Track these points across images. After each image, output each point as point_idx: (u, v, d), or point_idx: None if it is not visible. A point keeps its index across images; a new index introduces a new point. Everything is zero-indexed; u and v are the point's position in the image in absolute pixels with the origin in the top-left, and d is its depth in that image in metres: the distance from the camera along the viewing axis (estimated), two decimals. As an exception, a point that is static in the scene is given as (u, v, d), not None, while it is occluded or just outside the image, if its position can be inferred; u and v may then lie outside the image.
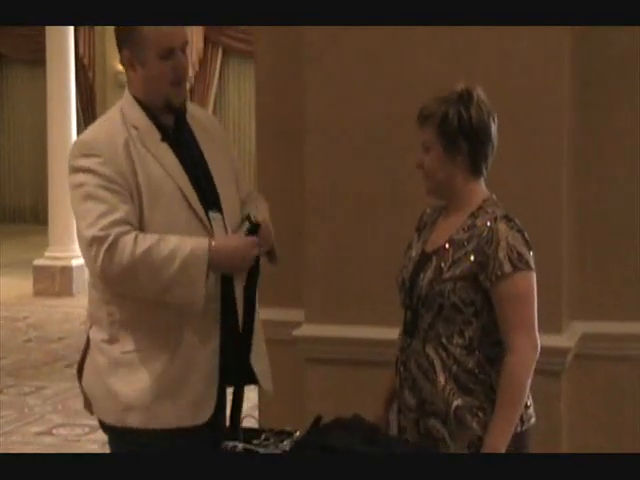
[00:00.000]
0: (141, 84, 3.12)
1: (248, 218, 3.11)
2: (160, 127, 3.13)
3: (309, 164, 3.96)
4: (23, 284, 11.38)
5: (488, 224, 2.98)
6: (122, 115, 3.12)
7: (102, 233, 2.95)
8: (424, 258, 3.07)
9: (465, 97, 3.02)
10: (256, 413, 4.08)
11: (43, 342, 9.02)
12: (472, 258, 2.96)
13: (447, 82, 3.11)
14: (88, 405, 3.23)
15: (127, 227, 2.98)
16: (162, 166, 3.09)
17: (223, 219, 3.16)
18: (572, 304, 3.99)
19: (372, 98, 3.89)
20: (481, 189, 3.08)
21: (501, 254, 2.93)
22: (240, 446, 2.78)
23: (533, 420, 3.06)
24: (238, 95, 15.88)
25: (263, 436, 2.83)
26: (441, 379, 2.99)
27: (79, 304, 10.79)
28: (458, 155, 3.02)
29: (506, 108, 3.71)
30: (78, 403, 7.02)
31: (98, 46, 15.96)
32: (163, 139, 3.13)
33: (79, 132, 12.14)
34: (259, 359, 3.19)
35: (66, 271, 11.20)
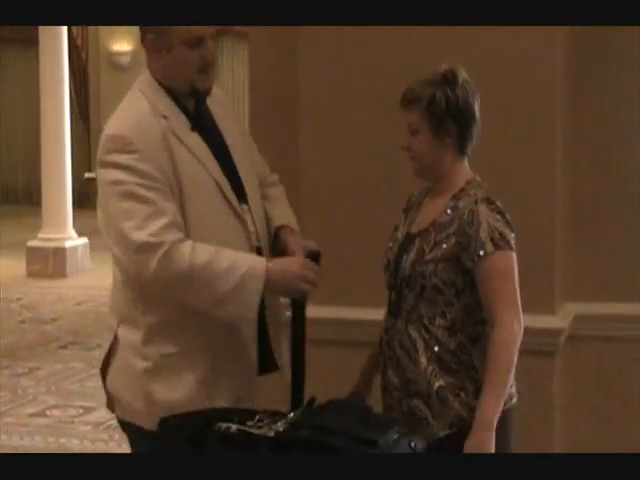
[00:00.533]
0: (166, 69, 3.01)
1: (311, 252, 3.02)
2: (186, 114, 3.03)
3: (304, 148, 3.95)
4: (16, 265, 11.39)
5: (469, 207, 2.99)
6: (149, 103, 3.00)
7: (155, 239, 2.84)
8: (408, 239, 3.10)
9: (450, 78, 3.02)
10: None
11: (37, 323, 9.02)
12: (454, 240, 2.98)
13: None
14: (111, 405, 3.14)
15: (179, 233, 2.88)
16: (195, 157, 2.99)
17: (250, 210, 3.09)
18: (565, 285, 3.99)
19: (369, 83, 3.87)
20: (466, 170, 3.10)
21: (483, 235, 2.95)
22: (234, 427, 2.78)
23: (515, 400, 3.07)
24: (232, 76, 15.85)
25: (257, 417, 2.83)
26: (423, 360, 3.01)
27: (72, 285, 10.82)
28: (446, 137, 3.03)
29: (499, 89, 3.72)
30: (72, 384, 7.09)
31: (91, 27, 15.91)
32: (193, 128, 3.03)
33: (72, 113, 12.12)
34: (282, 351, 3.17)
35: (59, 252, 11.20)
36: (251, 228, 3.07)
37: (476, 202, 3.00)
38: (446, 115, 3.00)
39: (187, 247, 2.87)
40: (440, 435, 2.98)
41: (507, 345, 2.93)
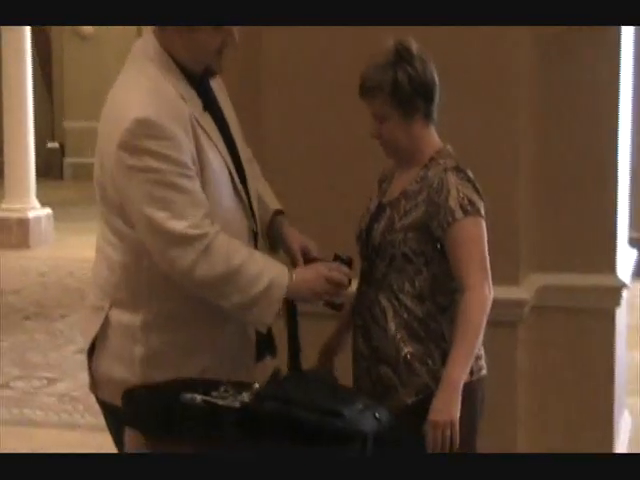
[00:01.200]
0: (185, 49, 2.86)
1: (339, 258, 2.98)
2: (197, 94, 2.92)
3: (268, 117, 3.93)
4: (-20, 236, 11.28)
5: (439, 175, 2.99)
6: (170, 83, 2.85)
7: (195, 232, 2.74)
8: (380, 209, 3.10)
9: (404, 54, 2.96)
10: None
11: (0, 294, 8.96)
12: (423, 208, 2.98)
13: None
14: (95, 388, 3.04)
15: (214, 224, 2.79)
16: (211, 139, 2.89)
17: (249, 194, 3.01)
18: (529, 256, 4.01)
19: (333, 49, 3.86)
20: (434, 139, 3.08)
21: (452, 202, 2.95)
22: (199, 398, 2.77)
23: (484, 372, 3.09)
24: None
25: (222, 388, 2.82)
26: (392, 327, 3.02)
27: (36, 256, 10.75)
28: (415, 114, 3.00)
29: (465, 64, 3.72)
30: (35, 356, 7.05)
31: (54, -5, 15.73)
32: (204, 108, 2.91)
33: (36, 85, 11.99)
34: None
35: (23, 223, 11.11)
36: (249, 213, 3.01)
37: (445, 171, 2.99)
38: (412, 94, 2.96)
39: (223, 243, 2.79)
40: (407, 402, 2.99)
41: (477, 308, 2.93)
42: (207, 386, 2.82)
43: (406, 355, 3.00)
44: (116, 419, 2.99)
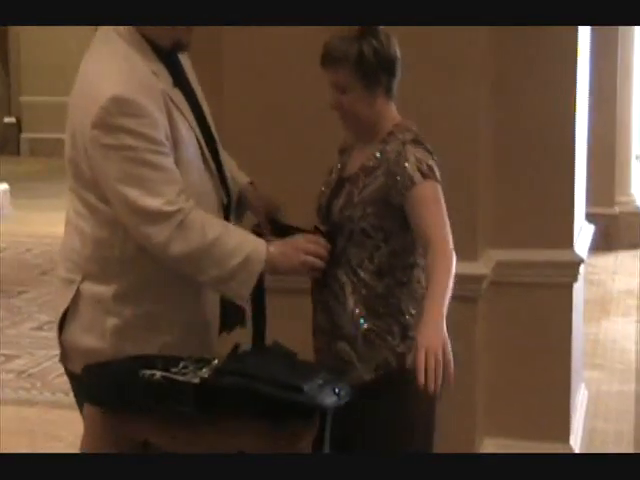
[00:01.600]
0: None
1: (318, 231, 3.00)
2: (167, 69, 2.91)
3: (229, 80, 3.92)
4: None
5: (397, 149, 2.98)
6: (142, 59, 2.84)
7: (170, 208, 2.75)
8: (339, 184, 3.10)
9: (370, 28, 2.96)
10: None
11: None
12: (381, 180, 2.98)
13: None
14: (64, 359, 3.04)
15: (189, 200, 2.80)
16: (182, 115, 2.88)
17: (221, 171, 3.02)
18: (488, 232, 4.04)
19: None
20: (394, 114, 3.08)
21: (410, 168, 2.94)
22: (158, 374, 2.77)
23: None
24: None
25: (181, 364, 2.82)
26: (350, 302, 3.03)
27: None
28: (377, 88, 3.00)
29: (424, 38, 3.72)
30: (-8, 332, 7.00)
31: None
32: (174, 84, 2.91)
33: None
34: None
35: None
36: (219, 185, 3.02)
37: (403, 144, 2.99)
38: (377, 68, 2.96)
39: (198, 218, 2.80)
40: (365, 379, 3.01)
41: (444, 261, 2.85)
42: (167, 362, 2.82)
43: (365, 331, 3.01)
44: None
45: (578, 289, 4.42)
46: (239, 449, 2.73)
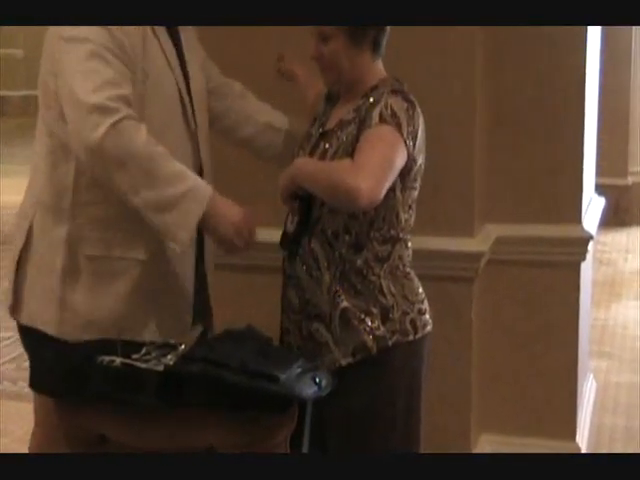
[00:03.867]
0: None
1: (298, 197, 3.00)
2: None
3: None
4: None
5: (376, 99, 2.98)
6: None
7: (112, 104, 2.80)
8: (317, 140, 3.09)
9: None
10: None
11: None
12: (353, 134, 2.97)
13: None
14: (16, 311, 3.09)
15: (133, 112, 2.85)
16: (164, 54, 3.01)
17: (198, 131, 3.12)
18: (485, 205, 4.04)
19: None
20: (379, 71, 3.08)
21: (375, 112, 2.93)
22: (117, 361, 2.77)
23: (429, 328, 3.11)
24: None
25: (144, 350, 2.82)
26: (326, 278, 3.03)
27: None
28: (364, 42, 3.00)
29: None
30: None
31: None
32: (169, 34, 3.04)
33: None
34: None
35: None
36: (196, 147, 3.10)
37: (383, 94, 2.99)
38: None
39: (142, 130, 2.84)
40: (341, 363, 3.01)
41: (348, 178, 2.80)
42: (127, 348, 2.82)
43: (342, 311, 3.01)
44: (30, 343, 3.07)
45: (586, 269, 4.42)
46: (208, 445, 2.73)
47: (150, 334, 3.02)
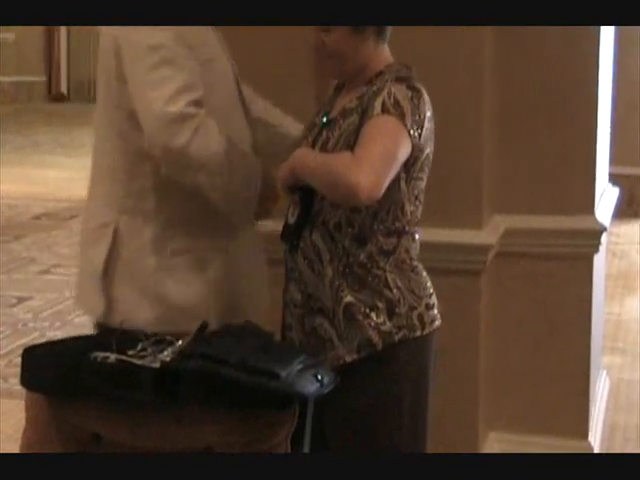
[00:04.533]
0: None
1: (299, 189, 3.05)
2: None
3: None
4: None
5: (380, 86, 2.97)
6: None
7: (190, 110, 2.96)
8: (321, 129, 3.09)
9: None
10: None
11: None
12: (355, 124, 2.96)
13: None
14: (106, 315, 3.17)
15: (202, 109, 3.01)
16: (217, 38, 3.17)
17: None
18: (494, 195, 4.04)
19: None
20: (385, 57, 3.07)
21: (377, 101, 2.92)
22: (112, 357, 2.78)
23: (437, 323, 3.10)
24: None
25: (140, 346, 2.83)
26: (329, 272, 3.03)
27: None
28: (367, 27, 2.99)
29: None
30: None
31: None
32: None
33: None
34: None
35: None
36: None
37: (387, 81, 2.98)
38: None
39: (216, 127, 3.02)
40: (345, 359, 3.01)
41: (347, 166, 2.81)
42: (122, 343, 2.83)
43: (346, 305, 3.01)
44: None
45: (599, 261, 4.43)
46: (206, 444, 2.74)
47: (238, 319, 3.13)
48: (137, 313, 3.11)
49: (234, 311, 3.18)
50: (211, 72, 3.09)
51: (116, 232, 3.15)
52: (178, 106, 2.94)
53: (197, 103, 2.98)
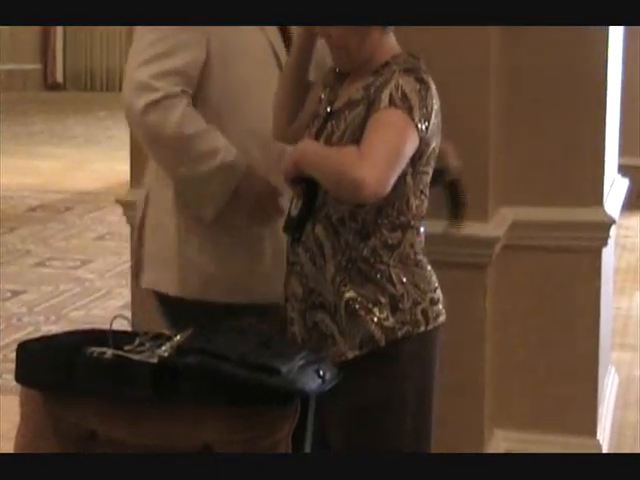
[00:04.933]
0: None
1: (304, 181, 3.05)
2: None
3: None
4: None
5: (387, 77, 2.96)
6: None
7: (153, 83, 3.14)
8: (325, 120, 3.08)
9: None
10: (128, 313, 4.08)
11: None
12: (361, 116, 2.95)
13: None
14: (136, 276, 3.44)
15: (181, 85, 3.17)
16: None
17: None
18: (500, 187, 4.04)
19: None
20: (391, 46, 3.06)
21: (384, 93, 2.92)
22: (109, 352, 2.78)
23: (442, 318, 3.10)
24: None
25: (137, 341, 2.83)
26: (330, 267, 3.03)
27: None
28: None
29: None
30: None
31: None
32: None
33: None
34: None
35: None
36: None
37: (395, 72, 2.97)
38: None
39: (180, 107, 3.17)
40: (347, 356, 3.01)
41: (348, 162, 2.82)
42: (120, 338, 2.83)
43: (348, 301, 3.01)
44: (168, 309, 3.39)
45: (608, 255, 4.43)
46: (204, 442, 2.74)
47: (261, 292, 3.30)
48: (161, 275, 3.33)
49: (257, 290, 3.30)
50: (226, 46, 3.20)
51: (147, 195, 3.38)
52: (143, 75, 3.15)
53: (168, 73, 3.15)
